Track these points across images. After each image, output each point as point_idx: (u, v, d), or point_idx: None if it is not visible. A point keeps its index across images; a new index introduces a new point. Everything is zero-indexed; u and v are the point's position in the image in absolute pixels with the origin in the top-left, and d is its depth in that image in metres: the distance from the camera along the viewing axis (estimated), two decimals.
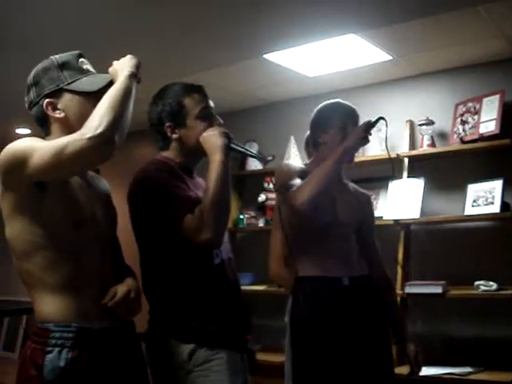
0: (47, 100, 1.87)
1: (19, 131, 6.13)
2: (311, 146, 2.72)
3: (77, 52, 1.95)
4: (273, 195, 4.94)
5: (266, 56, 4.01)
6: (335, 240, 2.55)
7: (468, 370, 3.80)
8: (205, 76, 4.27)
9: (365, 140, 2.44)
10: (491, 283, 3.82)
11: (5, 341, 7.36)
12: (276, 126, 5.16)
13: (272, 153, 5.08)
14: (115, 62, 1.88)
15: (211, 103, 2.29)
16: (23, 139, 1.78)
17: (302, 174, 2.53)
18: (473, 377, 3.73)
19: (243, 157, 2.30)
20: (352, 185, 2.80)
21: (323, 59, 4.12)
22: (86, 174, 1.96)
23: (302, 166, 2.67)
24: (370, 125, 2.44)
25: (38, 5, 3.10)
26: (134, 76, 1.80)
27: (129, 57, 1.88)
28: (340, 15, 3.36)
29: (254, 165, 5.14)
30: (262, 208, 5.05)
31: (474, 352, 3.99)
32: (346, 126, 2.56)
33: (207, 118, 2.24)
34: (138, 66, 1.84)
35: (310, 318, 2.48)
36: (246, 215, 5.14)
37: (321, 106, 2.71)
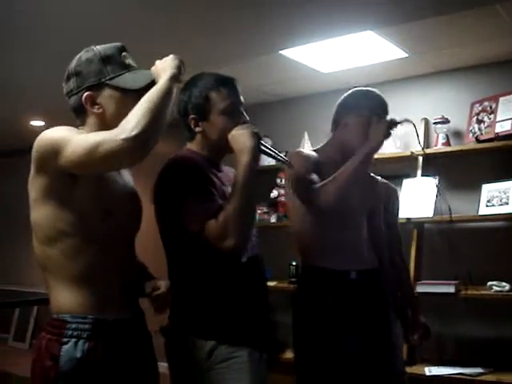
0: (87, 93, 1.83)
1: (33, 123, 6.16)
2: (332, 127, 2.67)
3: (120, 45, 1.91)
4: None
5: (281, 52, 3.99)
6: (347, 229, 2.52)
7: (479, 370, 3.78)
8: (221, 71, 4.25)
9: (389, 134, 2.44)
10: (504, 284, 3.80)
11: (15, 331, 7.40)
12: (290, 121, 5.15)
13: (286, 149, 5.05)
14: (158, 62, 1.85)
15: (241, 98, 2.22)
16: (59, 128, 1.76)
17: (316, 163, 2.52)
18: (483, 377, 3.71)
19: (270, 157, 2.19)
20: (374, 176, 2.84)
21: (339, 56, 4.11)
22: None
23: (315, 154, 2.61)
24: (394, 124, 2.42)
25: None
26: (175, 78, 1.77)
27: (171, 57, 1.84)
28: (357, 12, 3.34)
29: (267, 160, 5.12)
30: (274, 204, 5.04)
31: (485, 353, 3.98)
32: (371, 116, 2.50)
33: (232, 114, 2.15)
34: (180, 67, 1.81)
35: (311, 311, 2.50)
36: (259, 211, 5.13)
37: (354, 89, 2.66)
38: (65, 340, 1.73)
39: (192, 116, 2.16)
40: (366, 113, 2.51)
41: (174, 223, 2.06)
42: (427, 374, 3.84)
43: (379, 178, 2.92)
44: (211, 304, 2.08)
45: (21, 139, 6.95)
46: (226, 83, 2.20)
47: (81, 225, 1.77)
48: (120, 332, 1.83)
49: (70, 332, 1.74)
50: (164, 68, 1.79)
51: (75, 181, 1.74)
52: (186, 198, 2.02)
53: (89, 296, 1.78)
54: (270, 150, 2.15)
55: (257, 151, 2.06)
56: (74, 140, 1.68)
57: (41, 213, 1.79)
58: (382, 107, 2.58)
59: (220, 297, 2.09)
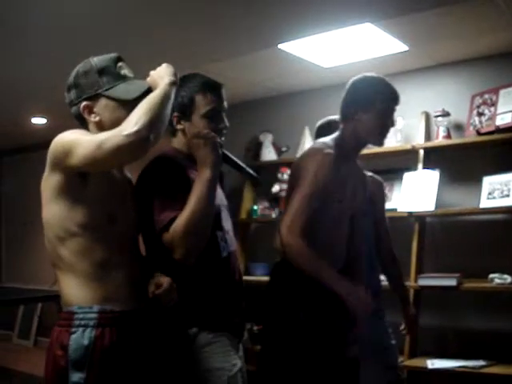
0: (84, 103, 1.98)
1: (34, 121, 6.17)
2: (341, 118, 2.56)
3: (115, 55, 2.04)
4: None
5: (280, 46, 3.99)
6: (336, 230, 2.53)
7: (481, 363, 3.78)
8: (219, 66, 4.28)
9: None
10: (506, 276, 3.80)
11: (20, 329, 7.42)
12: (291, 116, 5.15)
13: (286, 143, 5.07)
14: (152, 72, 1.99)
15: (225, 104, 2.28)
16: (72, 131, 1.90)
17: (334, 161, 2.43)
18: (485, 370, 3.72)
19: (235, 169, 2.21)
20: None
21: (338, 50, 4.10)
22: (122, 169, 2.10)
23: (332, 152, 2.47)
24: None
25: None
26: (174, 83, 1.91)
27: (165, 65, 1.98)
28: (355, 4, 3.33)
29: (268, 155, 5.14)
30: (275, 199, 5.04)
31: (487, 345, 3.98)
32: (387, 109, 2.47)
33: (213, 118, 2.23)
34: (176, 74, 1.95)
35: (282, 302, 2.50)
36: (260, 206, 5.14)
37: (363, 80, 2.56)
38: (73, 330, 1.84)
39: (175, 114, 2.23)
40: (383, 108, 2.47)
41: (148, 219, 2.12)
42: (429, 367, 3.84)
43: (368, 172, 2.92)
44: (193, 294, 2.15)
45: (22, 137, 6.98)
46: (213, 88, 2.26)
47: (88, 226, 1.89)
48: (126, 322, 1.92)
49: (77, 322, 1.85)
50: (161, 76, 1.94)
51: (85, 183, 1.89)
52: (154, 200, 2.08)
53: (96, 290, 1.89)
54: (234, 162, 2.22)
55: (219, 165, 2.12)
56: (84, 140, 1.82)
57: (52, 212, 1.91)
58: (396, 99, 2.54)
59: (201, 288, 2.17)
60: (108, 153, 1.74)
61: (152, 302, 2.01)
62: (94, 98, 1.97)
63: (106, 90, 1.96)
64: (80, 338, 1.82)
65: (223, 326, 2.19)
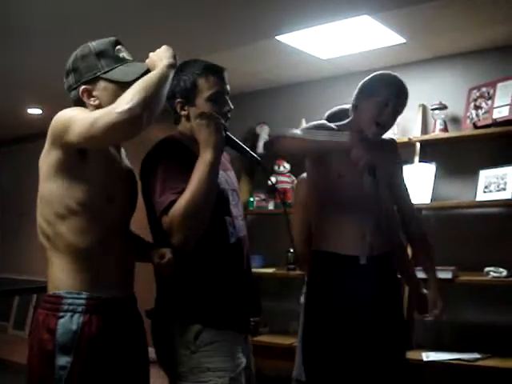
0: (83, 87, 1.97)
1: (30, 111, 6.15)
2: (350, 108, 2.59)
3: (113, 39, 2.03)
4: (283, 178, 4.93)
5: (278, 38, 3.98)
6: (357, 213, 2.46)
7: (476, 356, 3.80)
8: (216, 57, 4.23)
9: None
10: (501, 270, 3.81)
11: (15, 319, 7.42)
12: (288, 108, 5.14)
13: None
14: (151, 54, 1.97)
15: (227, 88, 2.24)
16: (72, 108, 1.92)
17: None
18: (481, 363, 3.73)
19: (239, 152, 2.18)
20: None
21: (336, 41, 4.09)
22: (119, 150, 2.10)
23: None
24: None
25: None
26: (172, 65, 1.89)
27: (164, 47, 1.96)
28: None
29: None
30: (272, 191, 5.04)
31: (482, 338, 3.99)
32: (382, 104, 2.45)
33: (217, 101, 2.19)
34: (175, 56, 1.93)
35: (322, 298, 2.45)
36: (256, 198, 5.14)
37: (374, 75, 2.58)
38: (61, 314, 1.84)
39: (178, 100, 2.21)
40: (382, 98, 2.45)
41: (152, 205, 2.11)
42: (424, 359, 3.85)
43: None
44: (197, 286, 2.11)
45: (18, 127, 6.96)
46: (215, 71, 2.22)
47: (88, 204, 1.89)
48: (114, 309, 1.93)
49: (65, 307, 1.85)
50: (160, 58, 1.91)
51: (84, 161, 1.88)
52: (157, 182, 2.06)
53: (86, 274, 1.89)
54: (238, 144, 2.18)
55: (222, 147, 2.08)
56: (80, 117, 1.81)
57: (51, 188, 1.90)
58: (398, 93, 2.51)
59: (206, 279, 2.12)
60: (101, 130, 1.74)
61: (155, 273, 2.04)
62: (93, 81, 1.96)
63: (105, 72, 1.95)
64: (68, 322, 1.82)
65: (228, 323, 2.13)
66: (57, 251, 1.91)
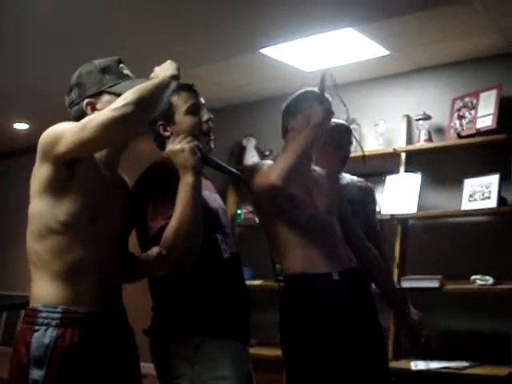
0: (87, 100, 1.97)
1: (17, 126, 6.13)
2: (282, 136, 2.68)
3: (116, 58, 2.06)
4: None
5: (262, 51, 4.01)
6: (320, 233, 2.47)
7: (464, 364, 3.81)
8: (201, 71, 4.28)
9: (329, 113, 2.46)
10: (487, 278, 3.84)
11: (3, 335, 7.36)
12: (273, 120, 5.07)
13: (269, 147, 5.08)
14: (157, 68, 2.00)
15: (201, 100, 2.30)
16: (60, 123, 1.89)
17: None
18: (469, 371, 3.74)
19: (217, 170, 2.20)
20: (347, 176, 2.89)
21: (320, 54, 4.12)
22: (113, 169, 2.06)
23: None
24: (321, 89, 2.44)
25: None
26: (175, 77, 1.92)
27: (169, 61, 1.99)
28: (336, 8, 3.36)
29: (252, 160, 5.14)
30: None
31: (470, 346, 4.01)
32: (314, 108, 2.49)
33: (196, 113, 2.25)
34: (179, 68, 1.96)
35: (300, 318, 2.41)
36: (244, 210, 5.14)
37: (292, 95, 2.68)
38: (36, 328, 1.82)
39: (159, 122, 2.24)
40: (308, 109, 2.51)
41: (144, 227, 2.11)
42: (413, 368, 3.86)
43: (354, 177, 2.96)
44: (195, 300, 2.11)
45: (4, 143, 6.93)
46: (185, 87, 2.27)
47: (70, 224, 1.86)
48: (94, 324, 1.89)
49: (41, 320, 1.83)
50: (163, 70, 1.95)
51: (72, 176, 1.86)
52: (148, 207, 2.07)
53: (64, 290, 1.87)
54: (214, 162, 2.19)
55: (199, 168, 2.09)
56: (70, 127, 1.82)
57: (37, 206, 1.89)
58: (321, 97, 2.54)
59: (204, 293, 2.12)
60: (92, 130, 1.74)
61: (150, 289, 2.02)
62: (97, 95, 1.98)
63: (110, 86, 1.98)
64: (42, 336, 1.81)
65: (227, 333, 2.13)
66: (36, 267, 1.90)
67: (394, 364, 3.93)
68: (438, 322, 4.18)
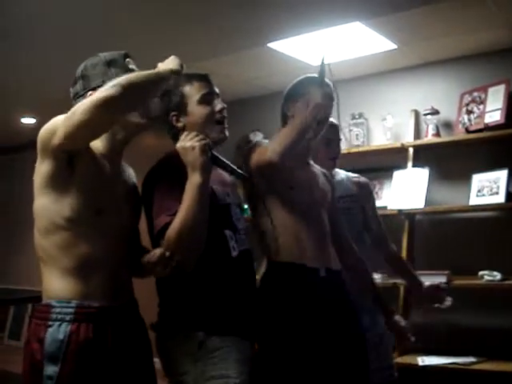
0: (91, 92, 1.95)
1: (24, 121, 6.15)
2: (281, 124, 2.65)
3: (123, 52, 2.07)
4: None
5: (270, 45, 4.00)
6: (313, 224, 2.41)
7: (471, 359, 3.80)
8: (209, 64, 4.27)
9: (330, 96, 2.45)
10: (495, 273, 3.82)
11: (10, 329, 7.39)
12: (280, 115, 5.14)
13: None
14: (159, 64, 1.99)
15: (215, 89, 2.27)
16: (58, 116, 1.88)
17: None
18: (476, 367, 3.74)
19: (225, 170, 2.18)
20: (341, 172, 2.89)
21: (328, 48, 4.10)
22: (116, 162, 2.05)
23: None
24: (321, 73, 2.41)
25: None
26: (176, 71, 1.93)
27: (173, 57, 1.99)
28: (344, 3, 3.35)
29: None
30: None
31: (477, 342, 4.00)
32: (314, 92, 2.43)
33: (209, 102, 2.23)
34: (181, 64, 1.96)
35: (281, 308, 2.30)
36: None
37: (292, 82, 2.65)
38: (50, 323, 1.83)
39: (173, 113, 2.23)
40: (308, 95, 2.45)
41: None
42: (420, 363, 3.86)
43: (350, 173, 2.94)
44: (200, 297, 2.11)
45: (11, 137, 6.95)
46: (198, 77, 2.26)
47: (75, 219, 1.86)
48: (107, 317, 1.90)
49: (54, 316, 1.83)
50: (166, 65, 1.96)
51: (73, 171, 1.86)
52: (154, 202, 2.07)
53: (76, 285, 1.87)
54: (223, 162, 2.16)
55: (209, 167, 2.05)
56: (62, 118, 1.82)
57: (41, 203, 1.90)
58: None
59: (208, 290, 2.11)
60: (80, 114, 1.73)
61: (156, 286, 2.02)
62: (101, 87, 1.90)
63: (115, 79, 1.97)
64: (56, 331, 1.80)
65: (232, 330, 2.11)
66: (45, 263, 1.91)
67: (401, 359, 3.93)
68: (444, 317, 4.16)
